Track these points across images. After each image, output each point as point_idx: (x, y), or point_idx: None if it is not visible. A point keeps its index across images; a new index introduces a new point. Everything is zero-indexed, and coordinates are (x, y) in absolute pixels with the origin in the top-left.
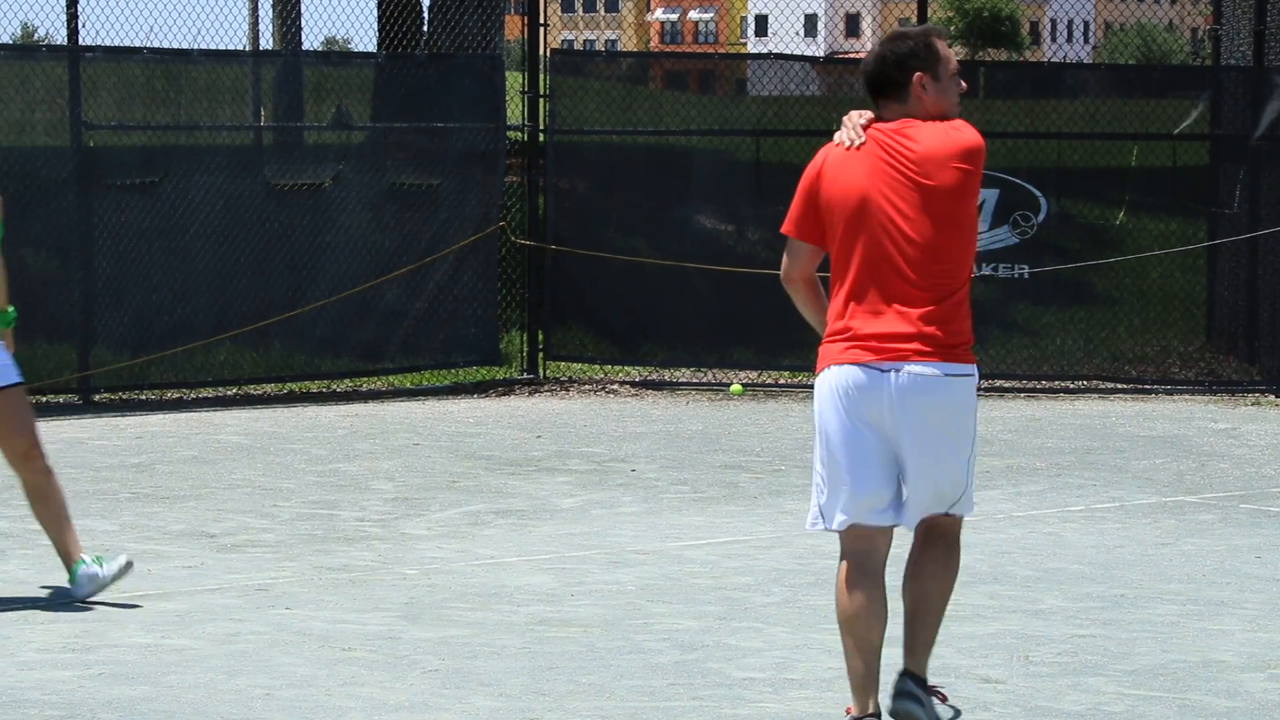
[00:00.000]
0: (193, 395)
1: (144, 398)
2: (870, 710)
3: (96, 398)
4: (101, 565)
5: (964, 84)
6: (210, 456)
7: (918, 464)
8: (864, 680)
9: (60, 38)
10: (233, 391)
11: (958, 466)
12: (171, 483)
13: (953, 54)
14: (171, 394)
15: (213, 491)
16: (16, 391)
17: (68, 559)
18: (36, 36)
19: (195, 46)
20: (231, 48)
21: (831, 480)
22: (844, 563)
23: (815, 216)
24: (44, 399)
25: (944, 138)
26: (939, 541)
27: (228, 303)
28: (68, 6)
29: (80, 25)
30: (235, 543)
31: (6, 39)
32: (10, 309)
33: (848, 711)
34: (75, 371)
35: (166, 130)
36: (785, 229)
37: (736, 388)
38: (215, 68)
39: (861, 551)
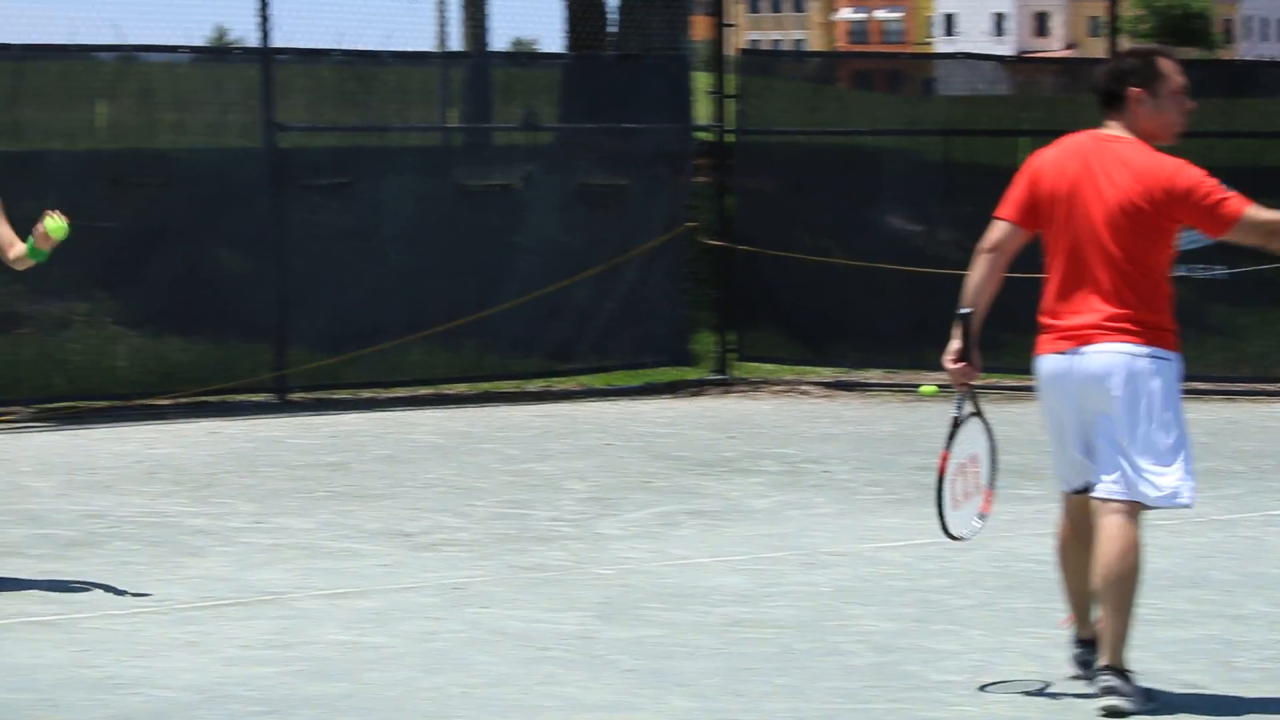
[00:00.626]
0: (387, 395)
1: (339, 397)
2: (1083, 636)
3: (292, 397)
4: None
5: (1189, 103)
6: (405, 455)
7: (1103, 435)
8: (1079, 600)
9: (253, 40)
10: (426, 391)
11: (1140, 440)
12: (367, 481)
13: (1178, 74)
14: (366, 393)
15: (408, 490)
16: None
17: None
18: (229, 39)
19: (385, 48)
20: (420, 49)
21: (1053, 453)
22: (1063, 517)
23: (1029, 204)
24: (240, 398)
25: (1150, 160)
26: (1105, 523)
27: (420, 303)
28: (260, 9)
29: (272, 28)
30: (431, 541)
31: (200, 42)
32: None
33: (1067, 621)
34: (271, 371)
35: (357, 132)
36: (998, 213)
37: (929, 388)
38: (405, 69)
39: (1075, 506)
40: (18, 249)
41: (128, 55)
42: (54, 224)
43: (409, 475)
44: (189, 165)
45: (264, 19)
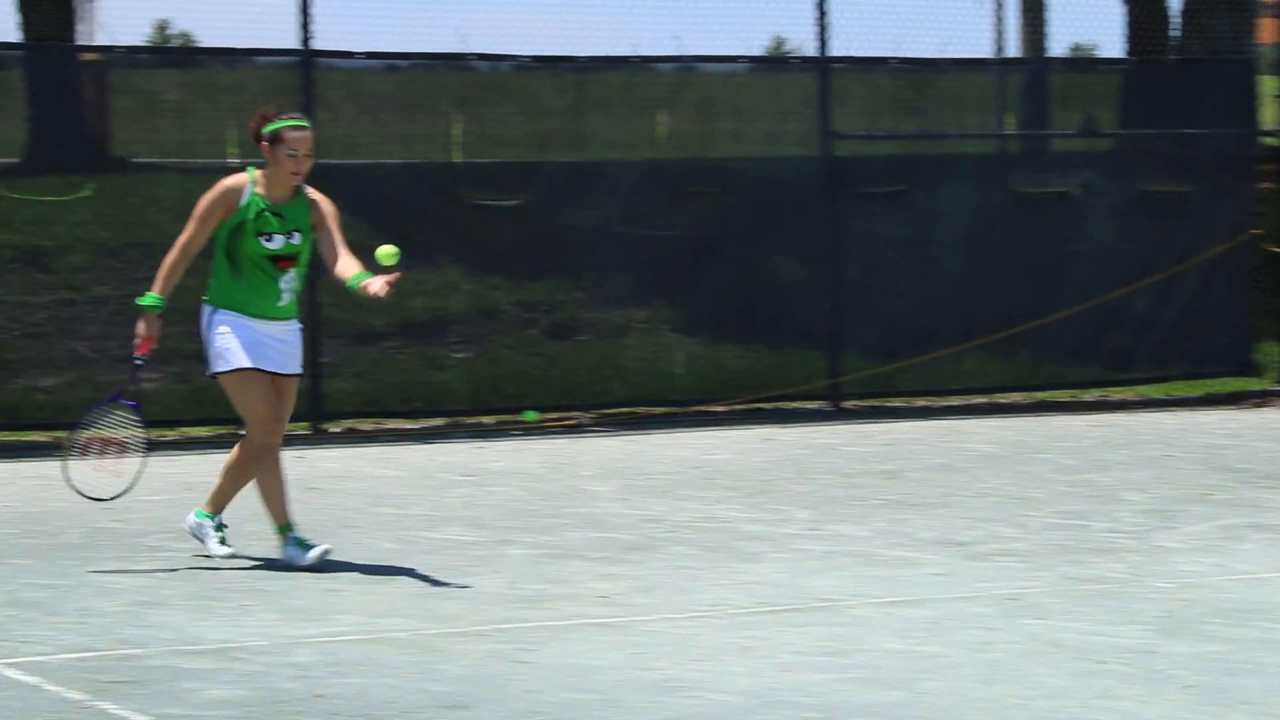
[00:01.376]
0: (940, 403)
1: (892, 405)
2: None
3: (846, 404)
4: (217, 537)
5: None
6: (959, 464)
7: None
8: None
9: (810, 49)
10: (980, 400)
11: None
12: (921, 490)
13: None
14: (920, 401)
15: (962, 499)
16: (276, 380)
17: (212, 506)
18: (787, 48)
19: (942, 55)
20: (978, 55)
21: None
22: None
23: None
24: (794, 405)
25: None
26: None
27: (974, 311)
28: (818, 19)
29: (830, 37)
30: (985, 551)
31: (758, 52)
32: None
33: None
34: (825, 378)
35: (913, 139)
36: None
37: None
38: (961, 76)
39: None
40: (342, 267)
41: (687, 66)
42: (385, 251)
43: (963, 484)
44: (746, 174)
45: (822, 29)
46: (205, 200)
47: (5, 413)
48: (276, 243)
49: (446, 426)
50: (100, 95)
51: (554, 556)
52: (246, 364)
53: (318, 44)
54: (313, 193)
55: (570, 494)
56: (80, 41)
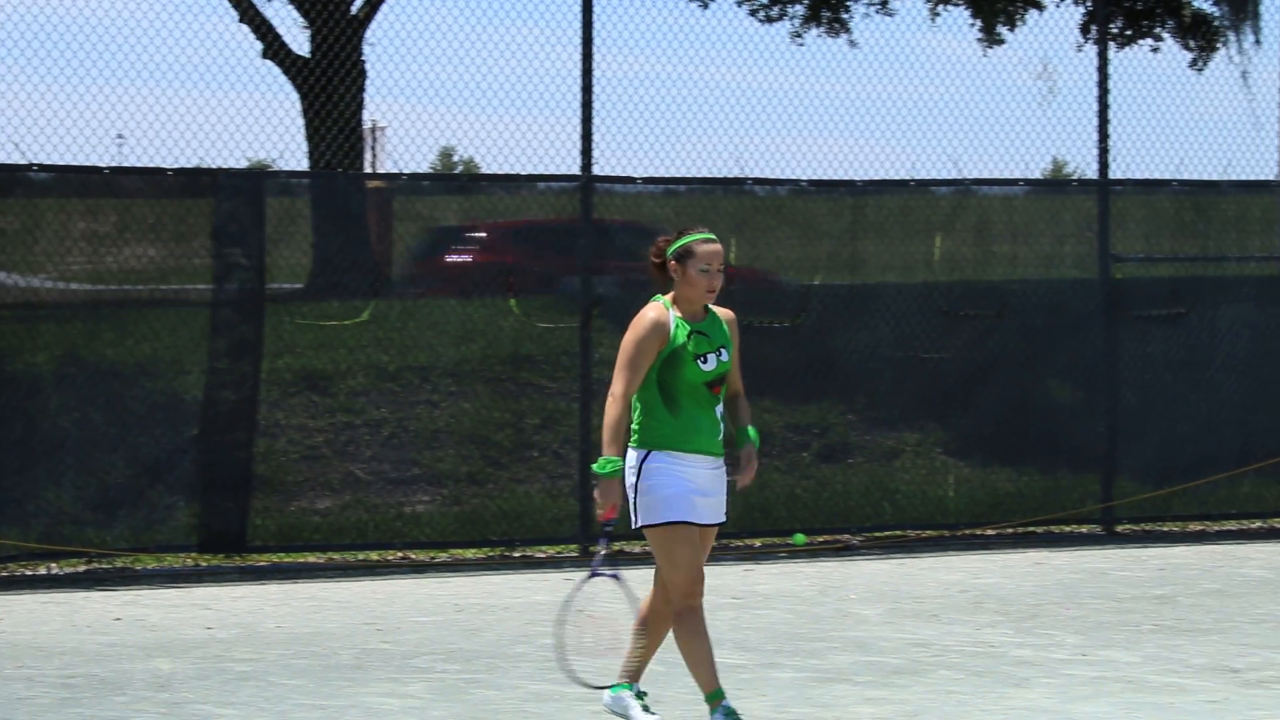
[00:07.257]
0: (1215, 528)
1: (1166, 529)
2: None
3: (1119, 528)
4: (640, 705)
5: None
6: (1234, 590)
7: None
8: None
9: (1090, 172)
10: (1257, 524)
11: None
12: (1194, 615)
13: None
14: (1194, 526)
15: (1236, 625)
16: (702, 531)
17: (628, 675)
18: (1067, 171)
19: (1224, 178)
20: (1261, 178)
21: None
22: None
23: None
24: (1066, 529)
25: None
26: None
27: (1252, 434)
28: (1099, 142)
29: (1111, 159)
30: (1260, 678)
31: (1037, 174)
32: (751, 429)
33: None
34: (1098, 502)
35: (1193, 262)
36: None
37: None
38: (1244, 198)
39: None
40: (736, 401)
41: (965, 189)
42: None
43: (1238, 610)
44: (1021, 296)
45: (1103, 151)
46: (635, 340)
47: (282, 534)
48: (710, 364)
49: (714, 549)
50: (383, 221)
51: (820, 680)
52: (684, 517)
53: (598, 170)
54: (715, 306)
55: (837, 617)
56: (366, 170)
